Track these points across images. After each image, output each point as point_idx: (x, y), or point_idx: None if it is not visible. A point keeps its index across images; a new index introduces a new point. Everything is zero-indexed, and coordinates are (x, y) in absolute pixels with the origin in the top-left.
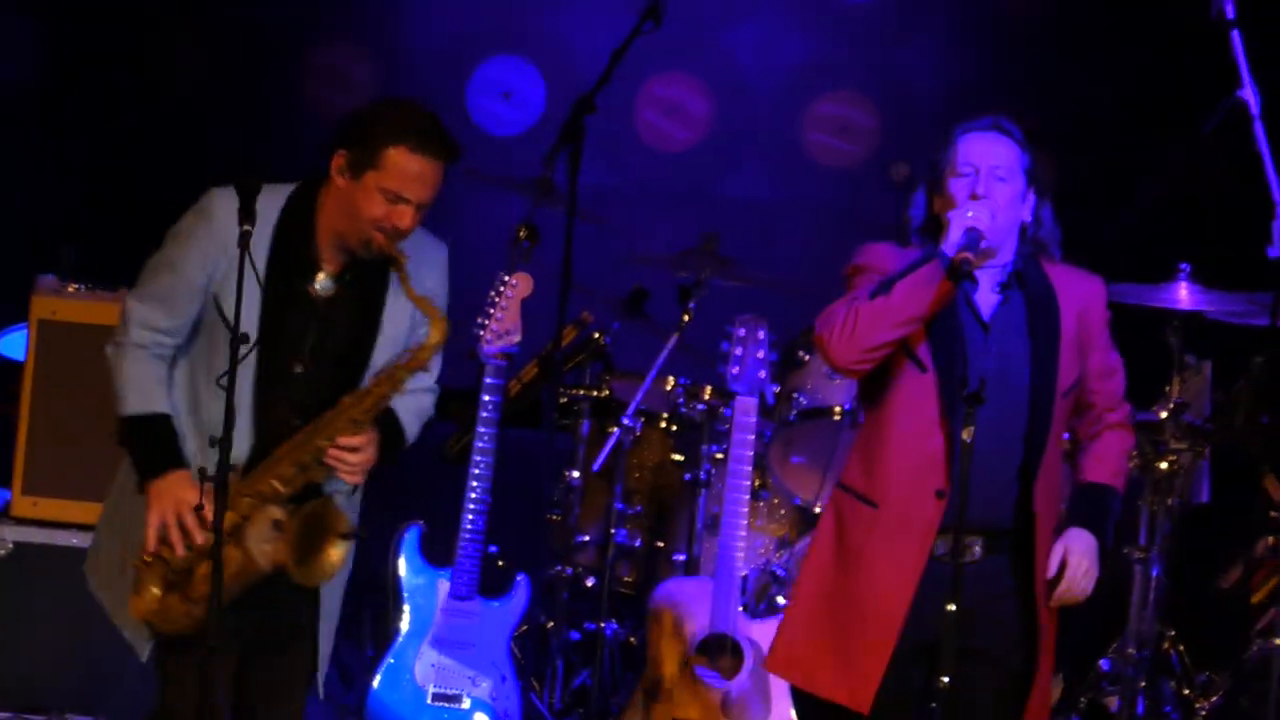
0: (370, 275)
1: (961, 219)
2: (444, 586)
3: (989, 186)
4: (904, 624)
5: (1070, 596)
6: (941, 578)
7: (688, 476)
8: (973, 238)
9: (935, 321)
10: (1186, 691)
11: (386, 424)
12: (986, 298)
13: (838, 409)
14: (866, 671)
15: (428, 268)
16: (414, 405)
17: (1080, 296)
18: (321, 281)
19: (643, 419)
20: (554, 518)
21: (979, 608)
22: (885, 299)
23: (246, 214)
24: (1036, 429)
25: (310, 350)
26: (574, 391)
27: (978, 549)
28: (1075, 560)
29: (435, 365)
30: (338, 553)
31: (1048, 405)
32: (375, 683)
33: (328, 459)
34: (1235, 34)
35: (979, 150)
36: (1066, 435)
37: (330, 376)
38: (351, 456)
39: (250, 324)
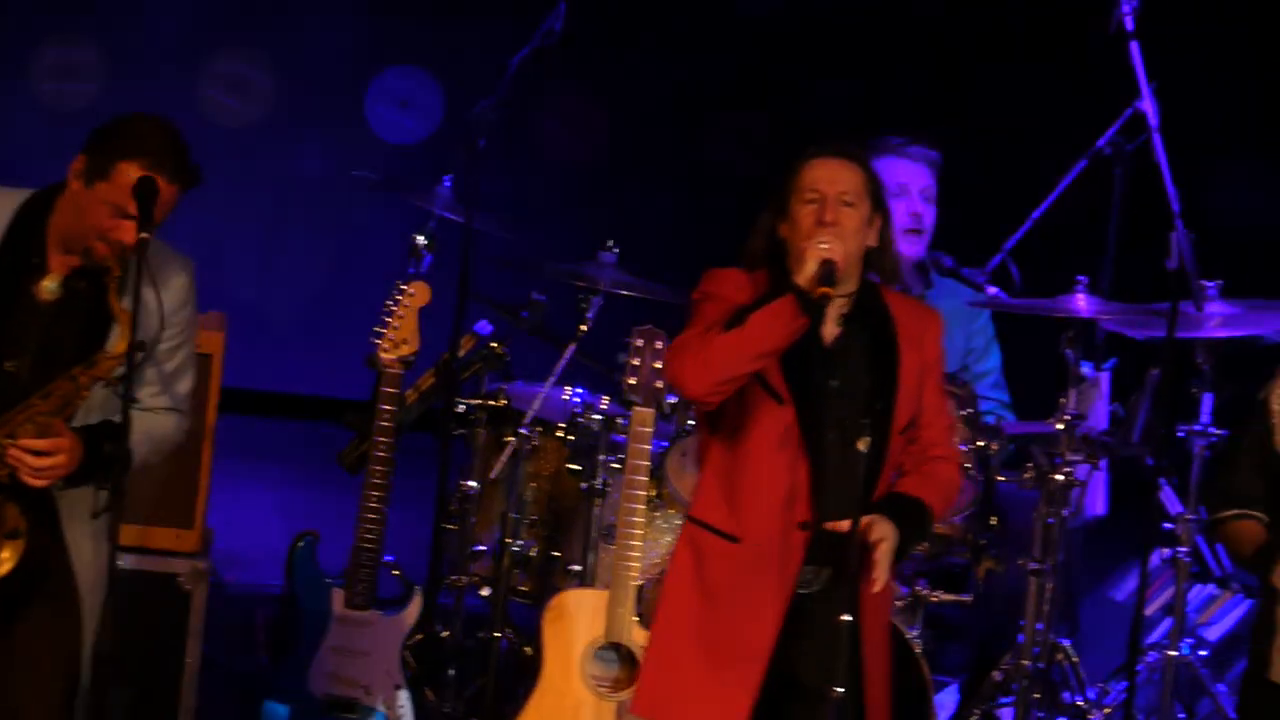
0: (101, 281)
1: (816, 251)
2: (339, 596)
3: (836, 213)
4: (769, 659)
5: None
6: (803, 610)
7: (584, 486)
8: (828, 270)
9: (788, 352)
10: (1080, 703)
11: (108, 438)
12: (828, 327)
13: None
14: (735, 710)
15: (162, 285)
16: (144, 425)
17: (919, 332)
18: (48, 284)
19: (540, 428)
20: (450, 527)
21: (819, 638)
22: (739, 332)
23: (144, 219)
24: (871, 464)
25: (34, 351)
26: (471, 400)
27: (825, 578)
28: (879, 529)
29: (181, 384)
30: (6, 553)
31: (883, 441)
32: (270, 692)
33: (9, 457)
34: (1134, 46)
35: (825, 176)
36: None
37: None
38: (33, 459)
39: None
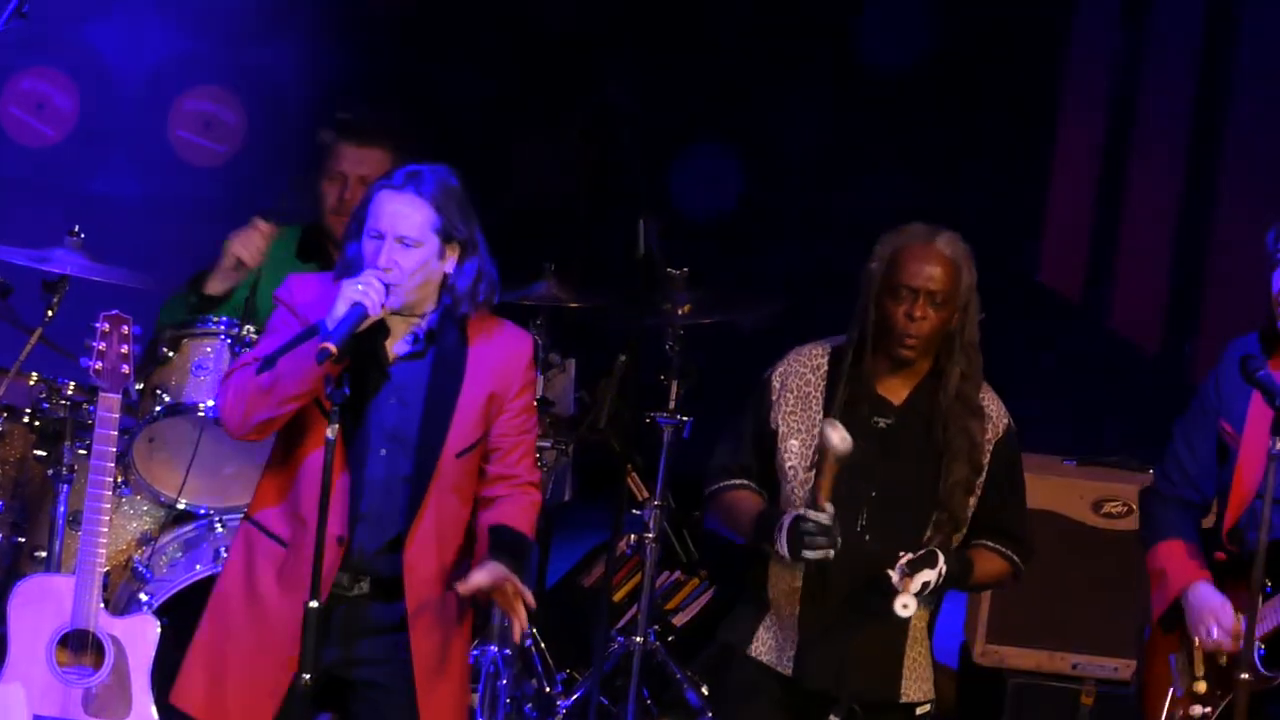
0: None
1: (351, 292)
2: None
3: (392, 255)
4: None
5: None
6: (337, 615)
7: (50, 472)
8: (355, 315)
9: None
10: (548, 689)
11: None
12: (401, 346)
13: (201, 406)
14: (262, 710)
15: None
16: None
17: (500, 361)
18: None
19: (5, 415)
20: None
21: (360, 641)
22: (270, 375)
23: None
24: (418, 485)
25: None
26: None
27: (365, 586)
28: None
29: None
30: None
31: (432, 462)
32: None
33: None
34: None
35: (388, 215)
36: None
37: None
38: None
39: None
